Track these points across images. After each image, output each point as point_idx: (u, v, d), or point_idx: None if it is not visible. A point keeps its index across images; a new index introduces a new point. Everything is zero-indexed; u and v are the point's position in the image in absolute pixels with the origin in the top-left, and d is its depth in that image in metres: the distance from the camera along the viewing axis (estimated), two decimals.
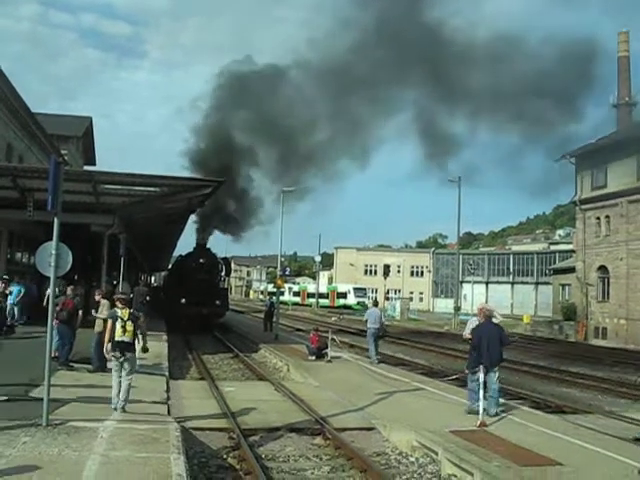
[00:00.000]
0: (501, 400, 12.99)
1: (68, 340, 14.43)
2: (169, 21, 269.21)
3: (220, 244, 55.31)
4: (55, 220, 9.26)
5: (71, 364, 14.57)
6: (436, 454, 9.70)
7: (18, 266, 25.33)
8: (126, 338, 10.48)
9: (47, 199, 9.17)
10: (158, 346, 20.35)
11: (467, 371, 12.65)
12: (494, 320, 12.94)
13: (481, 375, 11.53)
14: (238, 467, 9.40)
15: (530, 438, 10.36)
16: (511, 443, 10.01)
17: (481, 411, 11.31)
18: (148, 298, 24.74)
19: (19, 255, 26.38)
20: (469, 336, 12.72)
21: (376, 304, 23.09)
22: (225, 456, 9.85)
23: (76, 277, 22.00)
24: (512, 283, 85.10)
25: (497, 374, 12.12)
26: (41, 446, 8.00)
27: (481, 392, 11.42)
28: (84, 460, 7.53)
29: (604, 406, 16.67)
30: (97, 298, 14.62)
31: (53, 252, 9.31)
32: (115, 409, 10.35)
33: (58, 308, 15.29)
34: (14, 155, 32.75)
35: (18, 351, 15.45)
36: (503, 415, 12.16)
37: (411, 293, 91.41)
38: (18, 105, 31.68)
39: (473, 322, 13.15)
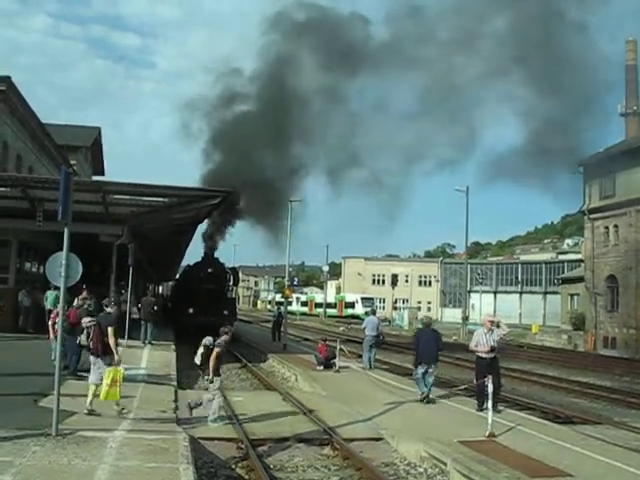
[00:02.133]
0: (510, 411, 12.99)
1: (73, 350, 14.35)
2: (178, 32, 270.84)
3: (228, 254, 55.30)
4: (65, 230, 9.31)
5: (79, 374, 14.58)
6: (445, 465, 9.66)
7: (27, 276, 25.42)
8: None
9: (57, 209, 9.23)
10: (166, 356, 20.41)
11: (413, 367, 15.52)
12: (500, 331, 13.45)
13: (420, 369, 14.67)
14: (247, 477, 9.42)
15: (539, 449, 10.32)
16: (520, 454, 9.97)
17: (490, 421, 11.27)
18: (155, 308, 24.78)
19: (28, 265, 26.48)
20: (475, 348, 13.24)
21: (374, 312, 23.32)
22: (234, 466, 9.85)
23: (84, 286, 22.03)
24: (520, 293, 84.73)
25: (434, 369, 15.03)
26: (51, 455, 8.02)
27: (490, 412, 11.36)
28: (94, 470, 7.54)
29: (614, 417, 16.58)
30: (108, 310, 14.57)
31: (63, 262, 9.35)
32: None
33: (51, 322, 15.36)
34: (24, 165, 33.02)
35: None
36: (512, 425, 12.11)
37: (419, 303, 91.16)
38: (28, 116, 31.97)
39: (479, 334, 13.34)
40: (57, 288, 19.24)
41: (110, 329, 11.08)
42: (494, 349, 13.16)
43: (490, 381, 11.59)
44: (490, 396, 11.47)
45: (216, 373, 11.75)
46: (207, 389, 12.23)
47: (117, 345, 11.26)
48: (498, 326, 13.65)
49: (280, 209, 34.29)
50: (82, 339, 11.42)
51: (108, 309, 11.72)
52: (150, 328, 23.63)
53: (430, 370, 14.81)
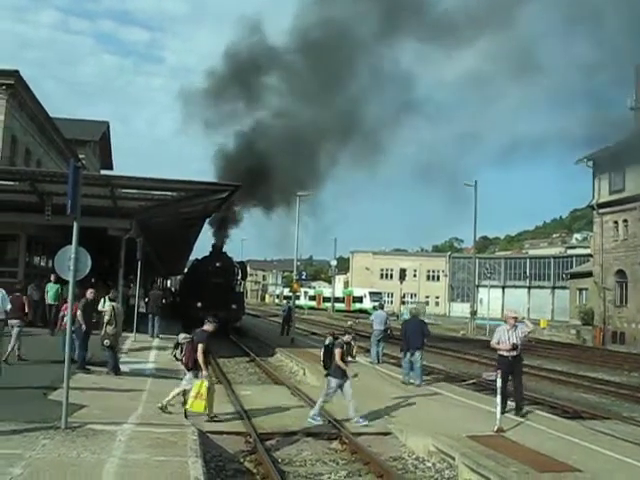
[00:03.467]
0: (518, 403, 12.91)
1: (79, 344, 14.36)
2: (186, 27, 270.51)
3: (236, 248, 55.41)
4: (74, 224, 9.32)
5: (87, 367, 14.65)
6: (453, 459, 9.65)
7: (36, 269, 25.51)
8: None
9: (66, 203, 9.24)
10: None
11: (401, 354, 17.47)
12: (525, 328, 12.81)
13: (408, 355, 16.55)
14: (255, 471, 9.42)
15: (548, 444, 10.29)
16: (529, 449, 9.94)
17: (498, 416, 11.25)
18: (164, 301, 24.87)
19: (37, 259, 26.58)
20: (497, 346, 12.60)
21: (382, 307, 23.37)
22: (242, 460, 9.87)
23: (93, 280, 22.11)
24: (529, 287, 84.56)
25: (420, 355, 16.46)
26: (60, 448, 8.06)
27: (498, 407, 11.35)
28: (103, 463, 7.58)
29: (622, 412, 16.51)
30: (205, 327, 14.17)
31: (72, 256, 9.37)
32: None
33: (61, 314, 15.42)
34: (32, 159, 33.11)
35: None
36: (520, 420, 12.09)
37: (427, 297, 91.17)
38: (36, 110, 32.05)
39: (500, 330, 12.77)
40: (58, 281, 19.45)
41: (200, 346, 11.29)
42: (516, 347, 12.34)
43: (498, 376, 11.51)
44: (498, 393, 11.42)
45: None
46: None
47: (207, 362, 11.52)
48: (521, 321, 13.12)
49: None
50: (177, 353, 11.84)
51: (205, 327, 11.73)
52: (158, 322, 23.69)
53: (418, 356, 16.46)
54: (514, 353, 12.38)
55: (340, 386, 12.05)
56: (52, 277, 20.38)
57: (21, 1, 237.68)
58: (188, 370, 11.59)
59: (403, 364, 17.26)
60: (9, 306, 12.50)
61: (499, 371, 11.64)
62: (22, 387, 11.70)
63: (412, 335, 16.65)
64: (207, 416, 11.49)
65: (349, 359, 12.35)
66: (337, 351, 11.88)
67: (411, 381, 16.60)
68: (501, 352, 12.54)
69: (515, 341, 12.38)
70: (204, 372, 11.27)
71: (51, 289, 20.80)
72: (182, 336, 12.04)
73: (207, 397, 11.11)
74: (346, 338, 12.43)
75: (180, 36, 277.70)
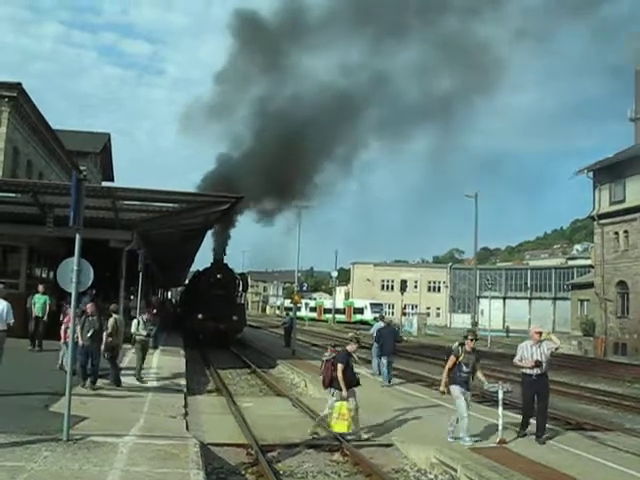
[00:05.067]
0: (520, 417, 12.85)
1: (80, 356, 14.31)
2: (188, 39, 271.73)
3: (237, 260, 55.35)
4: (77, 236, 9.35)
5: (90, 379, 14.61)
6: (455, 471, 9.63)
7: (38, 281, 25.48)
8: None
9: (68, 215, 9.27)
10: (175, 361, 20.44)
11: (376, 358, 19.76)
12: (551, 345, 12.07)
13: (383, 359, 18.95)
14: None
15: (550, 455, 10.27)
16: (531, 460, 9.92)
17: (500, 428, 11.23)
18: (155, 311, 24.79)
19: (38, 270, 26.57)
20: (519, 363, 11.89)
21: (382, 318, 23.31)
22: (244, 472, 9.84)
23: (94, 292, 22.10)
24: (530, 298, 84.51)
25: (391, 359, 19.15)
26: (62, 461, 8.04)
27: (500, 419, 11.30)
28: (105, 475, 7.56)
29: (625, 423, 16.46)
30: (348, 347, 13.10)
31: (75, 268, 9.38)
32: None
33: (64, 326, 15.39)
34: (34, 171, 33.19)
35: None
36: (522, 432, 12.05)
37: (428, 308, 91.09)
38: (38, 122, 32.16)
39: (523, 346, 11.97)
40: (45, 292, 19.32)
41: (340, 365, 11.50)
42: (540, 364, 11.55)
43: (501, 389, 11.43)
44: (500, 404, 11.38)
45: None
46: None
47: (345, 381, 11.55)
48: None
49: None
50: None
51: (348, 347, 12.06)
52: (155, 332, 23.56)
53: (390, 360, 18.99)
54: (538, 371, 11.64)
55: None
56: (40, 287, 19.58)
57: (25, 14, 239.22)
58: (325, 388, 12.07)
59: (374, 364, 20.07)
60: (12, 320, 12.45)
61: (501, 383, 11.57)
62: (23, 399, 11.69)
63: (386, 341, 19.05)
64: (355, 435, 11.75)
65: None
66: (339, 366, 11.65)
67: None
68: (524, 370, 11.84)
69: (539, 358, 11.64)
70: (343, 392, 11.45)
71: (38, 300, 19.47)
72: (327, 354, 12.22)
73: (351, 416, 11.33)
74: (349, 348, 12.16)
75: (182, 48, 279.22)
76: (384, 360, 18.98)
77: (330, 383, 11.73)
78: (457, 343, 11.77)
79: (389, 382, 18.81)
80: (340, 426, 11.29)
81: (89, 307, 14.85)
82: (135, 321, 16.81)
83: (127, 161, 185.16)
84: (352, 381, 11.83)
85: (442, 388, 11.84)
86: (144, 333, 16.47)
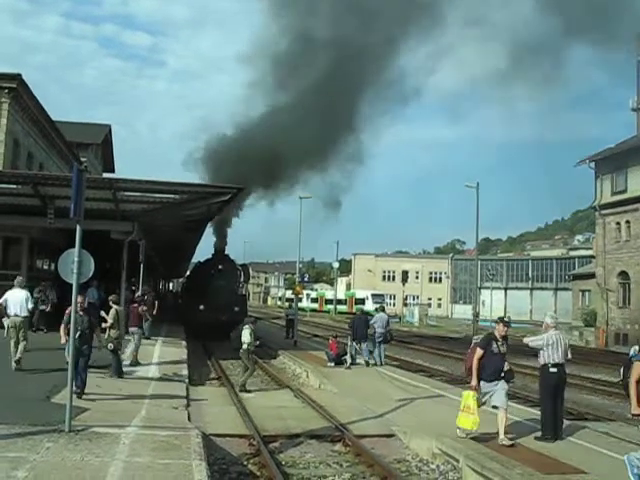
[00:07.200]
0: (522, 407, 12.84)
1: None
2: (188, 31, 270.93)
3: (238, 250, 55.32)
4: (77, 227, 9.32)
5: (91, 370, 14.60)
6: (457, 461, 9.62)
7: (39, 273, 25.50)
8: None
9: (69, 206, 9.24)
10: (177, 352, 20.45)
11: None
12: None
13: (355, 344, 20.90)
14: (259, 474, 9.41)
15: (552, 445, 10.25)
16: (533, 450, 9.91)
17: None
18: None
19: (40, 262, 26.57)
20: (532, 345, 10.92)
21: (383, 309, 23.35)
22: (246, 462, 9.86)
23: (96, 283, 22.10)
24: (531, 289, 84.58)
25: (366, 344, 21.12)
26: (64, 452, 8.05)
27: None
28: (107, 466, 7.56)
29: (626, 414, 16.41)
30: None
31: (76, 259, 9.36)
32: None
33: (65, 317, 15.32)
34: (35, 163, 33.12)
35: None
36: (524, 422, 12.04)
37: (429, 299, 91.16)
38: (39, 113, 32.06)
39: (542, 337, 10.91)
40: (29, 285, 19.26)
41: (478, 350, 10.23)
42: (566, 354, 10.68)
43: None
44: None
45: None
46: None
47: (478, 373, 10.21)
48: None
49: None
50: None
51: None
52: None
53: (363, 344, 21.10)
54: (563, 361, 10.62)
55: None
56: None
57: (24, 6, 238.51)
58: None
59: (350, 349, 20.92)
60: (32, 306, 12.69)
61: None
62: (25, 390, 11.69)
63: (359, 328, 20.94)
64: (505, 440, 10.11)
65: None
66: (477, 351, 10.26)
67: (371, 362, 21.02)
68: (547, 362, 10.56)
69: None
70: (472, 382, 10.27)
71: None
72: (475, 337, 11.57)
73: (479, 412, 10.15)
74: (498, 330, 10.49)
75: (182, 40, 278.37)
76: (356, 345, 21.03)
77: (468, 371, 10.48)
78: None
79: (367, 363, 20.90)
80: (464, 421, 10.24)
81: (79, 301, 14.51)
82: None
83: (128, 152, 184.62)
84: (496, 371, 10.20)
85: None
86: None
